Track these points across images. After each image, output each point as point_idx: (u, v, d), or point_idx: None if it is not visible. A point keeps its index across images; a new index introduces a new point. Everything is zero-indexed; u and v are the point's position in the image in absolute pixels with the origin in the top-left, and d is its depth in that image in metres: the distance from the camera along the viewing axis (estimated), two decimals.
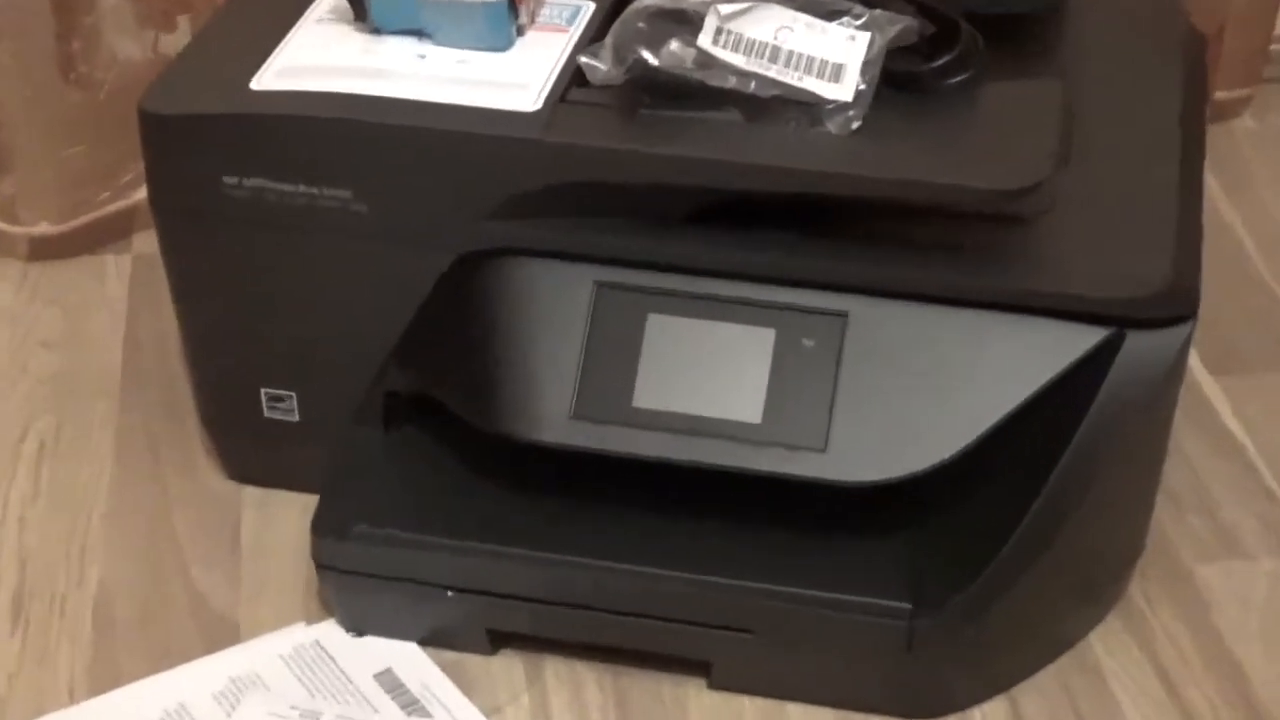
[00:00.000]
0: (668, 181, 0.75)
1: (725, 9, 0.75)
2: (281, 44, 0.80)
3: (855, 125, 0.76)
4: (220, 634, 0.84)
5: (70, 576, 0.87)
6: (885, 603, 0.77)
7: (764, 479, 0.76)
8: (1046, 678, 0.82)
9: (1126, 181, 0.80)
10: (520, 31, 0.80)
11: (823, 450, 0.75)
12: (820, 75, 0.76)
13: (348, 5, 0.80)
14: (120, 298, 1.05)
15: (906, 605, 0.77)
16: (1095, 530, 0.77)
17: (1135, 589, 0.86)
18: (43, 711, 0.80)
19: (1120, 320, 0.75)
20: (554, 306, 0.77)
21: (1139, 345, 0.74)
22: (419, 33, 0.80)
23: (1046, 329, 0.75)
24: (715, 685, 0.81)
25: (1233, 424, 0.96)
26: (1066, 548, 0.76)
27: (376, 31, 0.80)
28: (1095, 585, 0.83)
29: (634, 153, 0.74)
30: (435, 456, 0.83)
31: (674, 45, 0.75)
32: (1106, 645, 0.84)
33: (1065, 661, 0.83)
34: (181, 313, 0.85)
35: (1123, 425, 0.75)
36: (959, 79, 0.78)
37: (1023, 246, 0.76)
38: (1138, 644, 0.84)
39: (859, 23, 0.76)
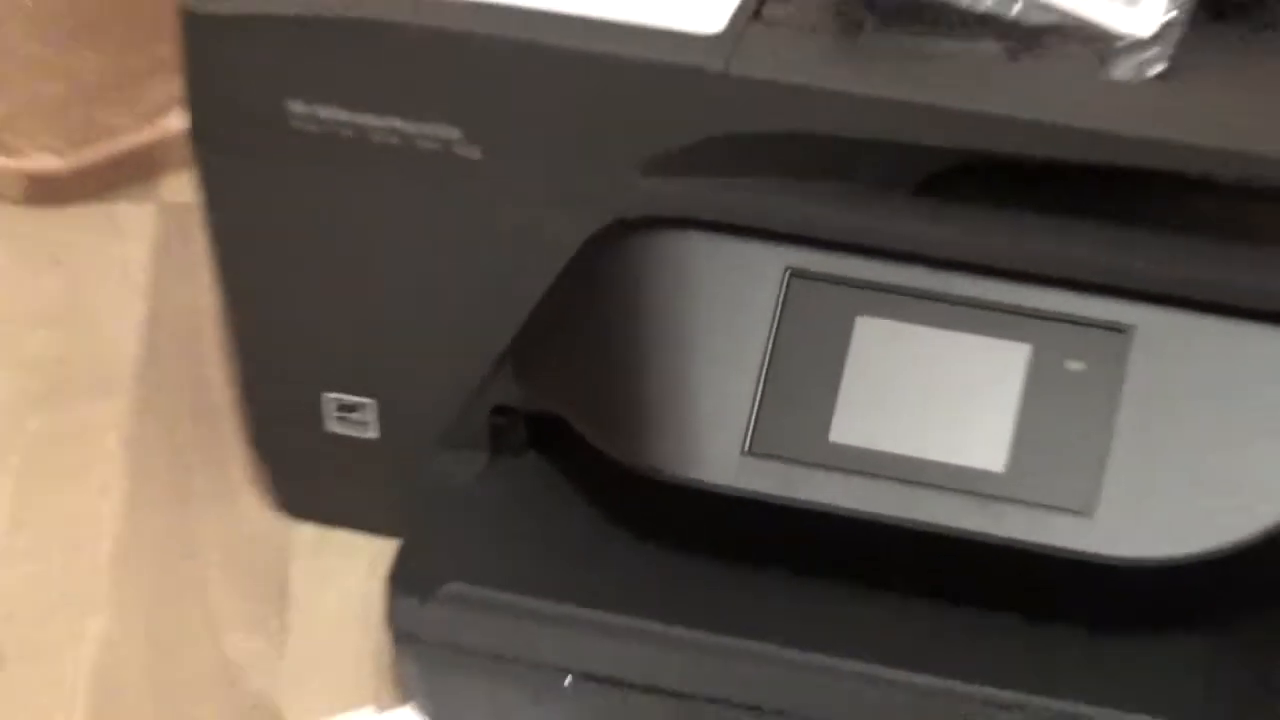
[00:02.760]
0: (893, 136, 0.73)
1: None
2: None
3: (1157, 69, 0.73)
4: None
5: (64, 633, 0.87)
6: None
7: (1007, 549, 0.74)
8: None
9: None
10: None
11: (1088, 514, 0.74)
12: None
13: None
14: (139, 261, 1.05)
15: None
16: None
17: None
18: None
19: None
20: (729, 300, 0.76)
21: None
22: None
23: None
24: None
25: None
26: None
27: None
28: None
29: (848, 95, 0.73)
30: (557, 494, 0.83)
31: None
32: None
33: None
34: (225, 284, 0.84)
35: None
36: None
37: None
38: None
39: None
